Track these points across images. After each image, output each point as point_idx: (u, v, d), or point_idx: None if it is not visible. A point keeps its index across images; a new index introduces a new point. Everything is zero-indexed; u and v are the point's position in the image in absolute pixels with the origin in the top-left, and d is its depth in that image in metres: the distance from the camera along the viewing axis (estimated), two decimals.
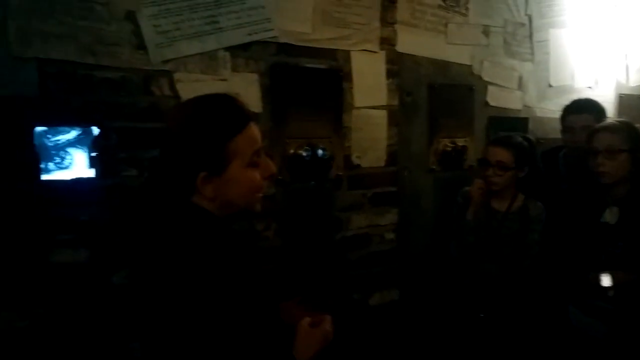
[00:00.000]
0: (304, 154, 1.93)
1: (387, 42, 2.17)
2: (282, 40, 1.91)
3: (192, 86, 1.73)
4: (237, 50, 1.82)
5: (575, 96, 2.92)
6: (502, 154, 2.11)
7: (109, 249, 1.56)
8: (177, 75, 1.70)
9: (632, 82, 3.27)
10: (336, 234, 2.05)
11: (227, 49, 1.80)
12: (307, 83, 1.98)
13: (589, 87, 3.05)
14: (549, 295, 2.13)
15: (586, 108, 2.41)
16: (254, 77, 1.85)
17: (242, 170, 1.01)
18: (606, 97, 3.12)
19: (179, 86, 1.70)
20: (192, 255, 0.96)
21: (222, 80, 1.79)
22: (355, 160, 2.10)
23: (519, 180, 2.19)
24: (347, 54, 2.07)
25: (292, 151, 1.94)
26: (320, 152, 1.95)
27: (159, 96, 1.67)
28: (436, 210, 2.45)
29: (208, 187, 1.00)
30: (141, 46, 1.63)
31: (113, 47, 1.59)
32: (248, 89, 1.84)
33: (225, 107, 1.02)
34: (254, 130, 1.04)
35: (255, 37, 1.85)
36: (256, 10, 1.85)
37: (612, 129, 1.94)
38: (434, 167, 2.46)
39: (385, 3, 2.14)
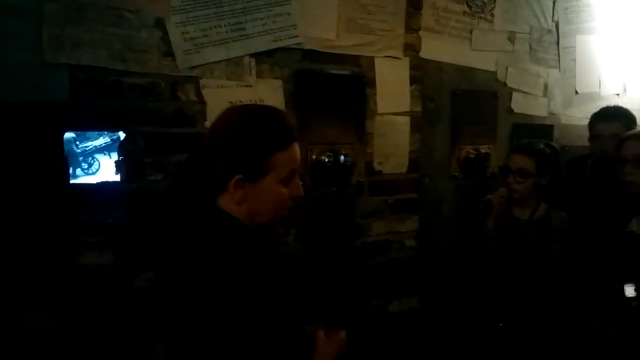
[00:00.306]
0: (327, 160, 1.94)
1: (411, 49, 2.17)
2: (307, 46, 1.92)
3: (217, 92, 1.75)
4: (262, 57, 1.83)
5: (602, 103, 2.87)
6: (523, 161, 2.09)
7: (132, 252, 1.59)
8: (203, 81, 1.72)
9: None
10: (356, 240, 2.05)
11: (252, 55, 1.82)
12: (330, 89, 1.99)
13: (617, 94, 3.00)
14: (573, 307, 2.11)
15: (616, 116, 2.37)
16: (278, 83, 1.87)
17: (275, 184, 1.05)
18: (634, 104, 3.06)
19: (204, 92, 1.73)
20: (219, 260, 0.98)
21: (247, 86, 1.81)
22: (377, 166, 2.10)
23: (542, 188, 2.17)
24: (371, 60, 2.07)
25: (314, 157, 1.95)
26: (342, 158, 1.96)
27: (185, 101, 1.69)
28: (457, 217, 2.44)
29: (239, 191, 1.04)
30: (169, 53, 1.66)
31: (142, 53, 1.62)
32: (272, 95, 1.85)
33: (277, 121, 1.07)
34: (297, 150, 1.08)
35: (280, 44, 1.87)
36: (282, 17, 1.87)
37: None
38: (456, 174, 2.45)
39: (410, 10, 2.14)
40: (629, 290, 1.83)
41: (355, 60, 2.04)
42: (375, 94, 2.08)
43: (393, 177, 2.15)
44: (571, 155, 2.75)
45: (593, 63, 2.89)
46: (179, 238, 1.08)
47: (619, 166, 1.92)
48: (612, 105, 2.53)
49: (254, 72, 1.82)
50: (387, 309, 2.10)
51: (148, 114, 1.63)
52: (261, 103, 1.81)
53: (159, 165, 1.64)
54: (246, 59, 1.81)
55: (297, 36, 1.89)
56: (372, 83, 2.08)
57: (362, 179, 2.07)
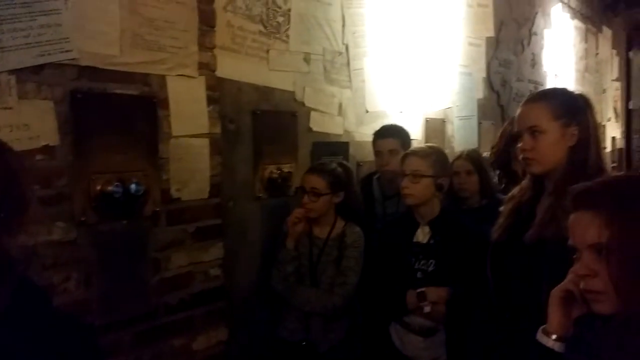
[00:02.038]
0: (114, 190, 1.72)
1: (206, 68, 2.06)
2: (85, 63, 1.69)
3: None
4: (26, 74, 1.55)
5: (388, 121, 3.15)
6: (315, 181, 2.17)
7: None
8: None
9: (436, 107, 3.63)
10: (153, 277, 1.87)
11: (12, 72, 1.52)
12: (115, 111, 1.78)
13: (401, 112, 3.30)
14: (371, 317, 2.22)
15: (391, 133, 2.62)
16: (49, 104, 1.60)
17: None
18: (414, 121, 3.42)
19: None
20: None
21: (5, 108, 1.51)
22: (174, 193, 1.95)
23: (338, 206, 2.26)
24: (162, 79, 1.91)
25: (99, 188, 1.72)
26: (133, 187, 1.76)
27: None
28: (265, 239, 2.40)
29: None
30: None
31: None
32: (41, 119, 1.58)
33: None
34: None
35: (49, 59, 1.60)
36: (50, 29, 1.60)
37: (420, 154, 2.10)
38: (261, 194, 2.42)
39: (203, 27, 2.03)
40: (420, 297, 1.99)
41: (144, 79, 1.86)
42: (169, 116, 1.93)
43: (193, 204, 2.01)
44: (365, 170, 2.95)
45: (380, 83, 3.14)
46: None
47: (400, 180, 2.09)
48: (389, 123, 2.79)
49: (14, 91, 1.53)
50: (191, 347, 1.96)
51: None
52: (25, 129, 1.53)
53: None
54: (3, 76, 1.51)
55: (70, 50, 1.64)
56: (164, 104, 1.92)
57: (158, 208, 1.89)
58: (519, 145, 1.55)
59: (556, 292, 0.98)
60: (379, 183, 2.66)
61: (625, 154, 6.90)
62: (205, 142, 2.06)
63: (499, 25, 4.25)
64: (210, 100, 2.08)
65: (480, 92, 4.10)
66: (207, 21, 2.05)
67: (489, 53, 4.16)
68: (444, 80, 3.67)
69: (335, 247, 2.21)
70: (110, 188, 1.72)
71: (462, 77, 3.85)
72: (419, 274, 2.05)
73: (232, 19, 2.27)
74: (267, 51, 2.44)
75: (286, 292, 2.19)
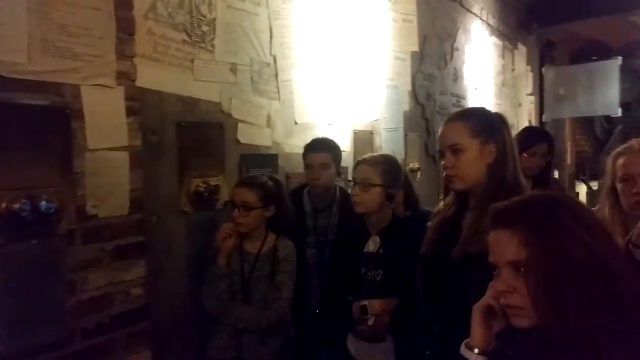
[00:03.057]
0: (22, 208, 1.59)
1: (125, 77, 1.96)
2: None
3: None
4: None
5: (318, 133, 3.15)
6: (245, 195, 2.12)
7: None
8: None
9: (364, 120, 3.68)
10: (68, 300, 1.74)
11: None
12: (23, 123, 1.65)
13: (329, 124, 3.32)
14: (328, 327, 2.18)
15: (323, 146, 2.62)
16: None
17: None
18: (343, 132, 3.45)
19: None
20: None
21: None
22: (91, 210, 1.83)
23: (269, 220, 2.22)
24: (76, 89, 1.80)
25: (4, 205, 1.58)
26: (43, 204, 1.63)
27: None
28: (191, 255, 2.32)
29: None
30: None
31: None
32: None
33: None
34: None
35: None
36: None
37: (371, 162, 2.09)
38: (187, 209, 2.33)
39: (121, 35, 1.94)
40: (364, 309, 1.97)
41: (55, 88, 1.74)
42: (84, 128, 1.81)
43: (112, 221, 1.90)
44: (295, 182, 2.93)
45: (309, 95, 3.14)
46: None
47: (351, 188, 2.09)
48: (321, 137, 2.79)
49: None
50: None
51: None
52: None
53: None
54: None
55: None
56: (79, 115, 1.80)
57: (72, 227, 1.76)
58: (442, 163, 1.60)
59: (478, 307, 1.00)
60: (309, 196, 2.65)
61: None
62: (124, 155, 1.96)
63: (423, 41, 4.40)
64: (130, 111, 1.99)
65: (406, 105, 4.21)
66: (125, 29, 1.96)
67: (414, 67, 4.29)
68: (371, 93, 3.74)
69: (268, 262, 2.17)
70: (16, 206, 1.58)
71: (389, 90, 3.94)
72: (367, 284, 2.04)
73: (153, 26, 2.19)
74: (192, 61, 2.38)
75: (218, 309, 2.12)
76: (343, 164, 2.87)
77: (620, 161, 1.67)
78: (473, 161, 1.55)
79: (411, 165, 4.24)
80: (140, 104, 2.06)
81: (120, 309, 1.90)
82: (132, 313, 1.94)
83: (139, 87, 2.07)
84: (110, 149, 1.91)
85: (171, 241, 2.25)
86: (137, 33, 2.05)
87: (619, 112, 6.78)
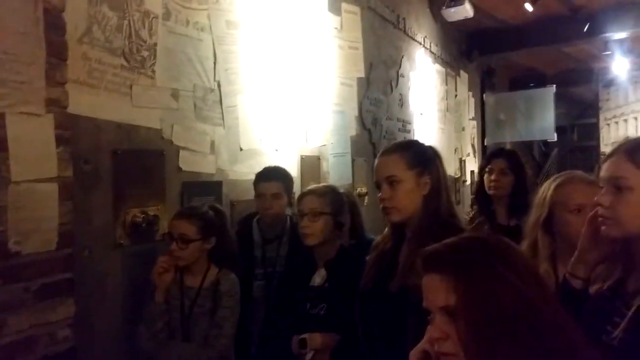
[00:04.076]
0: None
1: (55, 104, 1.85)
2: None
3: None
4: None
5: (264, 158, 3.11)
6: (184, 227, 2.04)
7: None
8: None
9: (311, 145, 3.67)
10: None
11: None
12: None
13: (276, 150, 3.28)
14: None
15: (275, 176, 2.56)
16: None
17: None
18: (290, 158, 3.42)
19: None
20: None
21: None
22: (13, 247, 1.70)
23: (211, 252, 2.14)
24: (1, 118, 1.68)
25: None
26: None
27: None
28: (128, 291, 2.20)
29: None
30: None
31: None
32: None
33: None
34: None
35: None
36: None
37: (317, 192, 2.06)
38: (122, 241, 2.22)
39: (51, 60, 1.83)
40: (302, 343, 1.90)
41: None
42: (8, 159, 1.69)
43: (38, 258, 1.77)
44: (240, 209, 2.86)
45: (254, 121, 3.09)
46: None
47: (298, 220, 2.04)
48: (272, 165, 2.74)
49: None
50: None
51: None
52: None
53: None
54: None
55: None
56: (3, 145, 1.68)
57: None
58: (379, 195, 1.60)
59: (414, 353, 0.97)
60: (259, 226, 2.58)
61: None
62: (53, 187, 1.84)
63: (369, 67, 4.46)
64: (61, 140, 1.87)
65: (353, 130, 4.24)
66: (57, 54, 1.85)
67: (361, 93, 4.34)
68: (318, 119, 3.74)
69: (209, 296, 2.08)
70: None
71: (336, 115, 3.95)
72: (312, 320, 1.98)
73: (89, 51, 2.10)
74: (131, 86, 2.29)
75: (156, 350, 2.00)
76: None
77: (567, 191, 1.63)
78: (409, 193, 1.58)
79: (359, 189, 4.25)
80: (73, 132, 1.95)
81: (44, 353, 1.76)
82: (58, 357, 1.80)
83: (72, 115, 1.96)
84: (37, 181, 1.79)
85: (105, 277, 2.13)
86: (70, 58, 1.94)
87: (554, 137, 7.12)
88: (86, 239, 2.04)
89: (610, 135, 9.12)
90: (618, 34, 6.13)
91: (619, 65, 7.63)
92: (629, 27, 5.93)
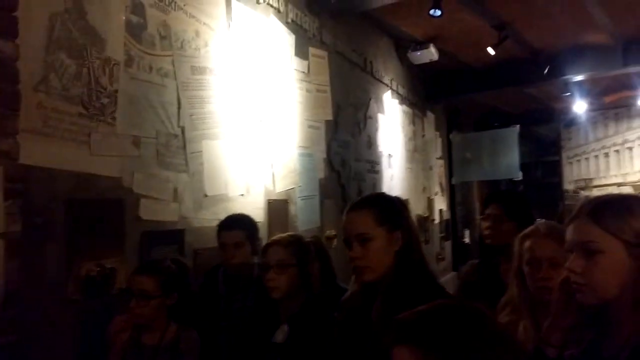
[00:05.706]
0: None
1: (5, 156, 1.78)
2: None
3: None
4: None
5: (230, 204, 3.04)
6: (144, 282, 1.94)
7: None
8: None
9: (278, 189, 3.62)
10: None
11: None
12: None
13: (242, 195, 3.22)
14: None
15: (237, 224, 2.48)
16: None
17: None
18: (257, 203, 3.36)
19: None
20: None
21: None
22: None
23: (171, 308, 2.04)
24: None
25: None
26: None
27: None
28: (81, 352, 2.07)
29: None
30: None
31: None
32: None
33: None
34: None
35: None
36: None
37: (283, 242, 1.98)
38: (76, 297, 2.10)
39: (2, 111, 1.76)
40: None
41: None
42: None
43: None
44: (205, 257, 2.77)
45: (220, 166, 3.04)
46: None
47: (262, 273, 1.94)
48: (235, 213, 2.67)
49: None
50: None
51: None
52: None
53: None
54: None
55: None
56: None
57: None
58: (349, 253, 1.53)
59: None
60: (224, 277, 2.48)
61: (452, 223, 7.62)
62: None
63: (337, 110, 4.49)
64: (10, 194, 1.79)
65: (321, 172, 4.22)
66: (8, 104, 1.79)
67: (329, 135, 4.35)
68: (285, 162, 3.71)
69: (168, 355, 1.97)
70: None
71: (304, 158, 3.93)
72: None
73: (44, 100, 2.03)
74: (89, 135, 2.22)
75: None
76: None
77: (527, 244, 1.64)
78: (382, 250, 1.50)
79: (327, 232, 4.20)
80: (24, 184, 1.87)
81: None
82: None
83: (24, 165, 1.88)
84: None
85: (55, 336, 2.00)
86: (24, 107, 1.88)
87: (520, 176, 7.24)
88: (35, 295, 1.92)
89: (573, 173, 9.36)
90: (576, 77, 6.36)
91: (578, 106, 7.89)
92: (586, 70, 6.17)
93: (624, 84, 7.18)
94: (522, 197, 2.72)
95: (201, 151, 2.90)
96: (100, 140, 2.27)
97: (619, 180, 8.73)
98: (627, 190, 8.31)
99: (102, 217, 2.26)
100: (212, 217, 2.87)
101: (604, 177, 8.94)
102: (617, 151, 8.84)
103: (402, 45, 5.77)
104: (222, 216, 2.65)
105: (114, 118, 2.34)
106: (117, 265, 2.26)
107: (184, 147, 2.78)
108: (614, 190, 8.41)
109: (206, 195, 2.92)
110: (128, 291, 1.99)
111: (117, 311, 2.03)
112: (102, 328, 2.01)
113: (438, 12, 4.25)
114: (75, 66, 2.17)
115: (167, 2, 2.70)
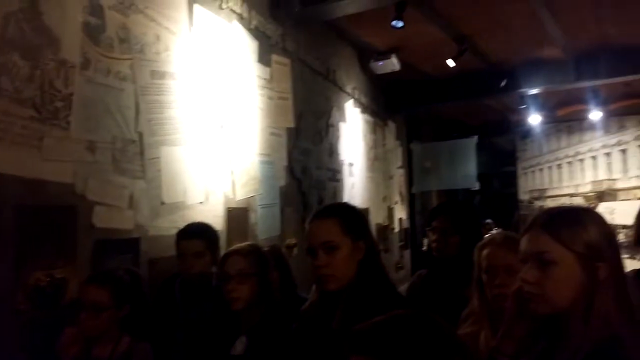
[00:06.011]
0: None
1: None
2: None
3: None
4: None
5: (188, 212, 2.99)
6: (95, 294, 1.88)
7: None
8: None
9: (238, 197, 3.58)
10: None
11: None
12: None
13: (201, 203, 3.17)
14: None
15: (196, 233, 2.44)
16: None
17: None
18: (216, 211, 3.32)
19: None
20: None
21: None
22: None
23: (124, 319, 1.98)
24: None
25: None
26: None
27: None
28: None
29: None
30: None
31: None
32: None
33: None
34: None
35: None
36: None
37: (243, 252, 1.94)
38: (23, 307, 2.01)
39: None
40: None
41: None
42: None
43: None
44: (161, 267, 2.70)
45: (178, 173, 2.99)
46: None
47: (222, 283, 1.90)
48: (195, 222, 2.62)
49: None
50: None
51: None
52: None
53: None
54: None
55: None
56: None
57: None
58: (314, 262, 1.52)
59: None
60: (181, 287, 2.43)
61: (411, 232, 7.73)
62: None
63: (299, 117, 4.49)
64: None
65: (282, 180, 4.20)
66: None
67: (290, 142, 4.34)
68: (246, 169, 3.68)
69: None
70: None
71: (264, 165, 3.91)
72: None
73: None
74: (41, 139, 2.14)
75: None
76: None
77: (484, 253, 1.68)
78: (347, 259, 1.51)
79: (288, 241, 4.18)
80: None
81: None
82: None
83: None
84: None
85: (1, 348, 1.92)
86: None
87: (477, 186, 7.42)
88: None
89: (527, 184, 9.68)
90: (532, 90, 6.59)
91: (533, 119, 8.17)
92: (541, 84, 6.40)
93: (577, 98, 7.48)
94: (470, 209, 2.75)
95: (159, 157, 2.84)
96: (53, 145, 2.20)
97: (571, 190, 9.08)
98: (578, 200, 8.66)
99: (53, 224, 2.18)
100: (170, 225, 2.81)
101: (557, 187, 9.28)
102: (569, 163, 9.20)
103: (365, 55, 5.84)
104: (180, 224, 2.60)
105: (68, 122, 2.27)
106: (68, 275, 2.18)
107: (142, 153, 2.72)
108: (567, 200, 8.75)
109: (163, 203, 2.86)
110: (79, 302, 1.92)
111: (67, 323, 1.95)
112: (52, 340, 1.94)
113: (400, 24, 4.32)
114: (29, 68, 2.10)
115: (127, 5, 2.64)
